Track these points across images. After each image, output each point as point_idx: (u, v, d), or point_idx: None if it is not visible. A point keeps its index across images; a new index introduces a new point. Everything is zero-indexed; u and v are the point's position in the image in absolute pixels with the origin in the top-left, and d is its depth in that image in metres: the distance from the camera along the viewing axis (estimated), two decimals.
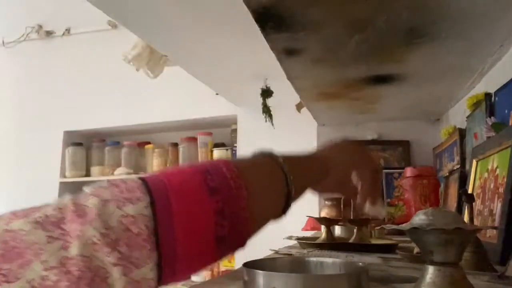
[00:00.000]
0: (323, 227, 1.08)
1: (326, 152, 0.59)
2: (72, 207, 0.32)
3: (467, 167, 1.25)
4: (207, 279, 2.38)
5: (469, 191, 1.05)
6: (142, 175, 0.38)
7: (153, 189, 0.35)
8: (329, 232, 1.07)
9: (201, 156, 2.88)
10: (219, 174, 0.39)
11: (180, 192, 0.36)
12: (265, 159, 0.48)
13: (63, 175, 3.08)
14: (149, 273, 0.32)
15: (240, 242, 0.41)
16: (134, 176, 0.38)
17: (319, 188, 0.59)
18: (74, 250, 0.29)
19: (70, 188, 2.96)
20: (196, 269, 0.38)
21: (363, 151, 0.65)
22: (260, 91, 1.96)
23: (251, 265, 0.41)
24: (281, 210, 0.48)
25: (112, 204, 0.33)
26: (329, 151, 0.60)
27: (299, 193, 0.50)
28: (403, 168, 1.70)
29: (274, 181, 0.46)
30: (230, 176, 0.39)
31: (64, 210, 0.32)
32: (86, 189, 0.35)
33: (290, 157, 0.49)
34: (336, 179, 0.58)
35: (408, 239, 0.46)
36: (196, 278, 2.49)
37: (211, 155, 2.88)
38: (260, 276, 0.37)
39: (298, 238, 1.15)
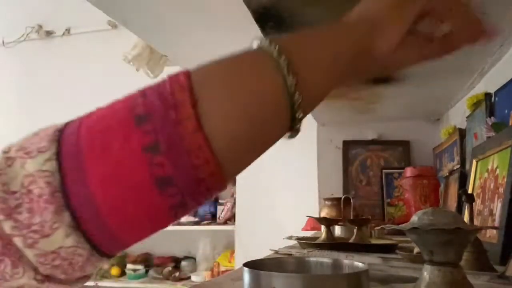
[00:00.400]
0: (323, 227, 1.08)
1: (369, 6, 0.39)
2: None
3: (467, 167, 1.25)
4: (207, 279, 2.38)
5: (469, 191, 1.05)
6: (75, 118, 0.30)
7: (64, 134, 0.28)
8: (329, 232, 1.07)
9: None
10: (155, 94, 0.28)
11: (94, 131, 0.28)
12: (250, 55, 0.33)
13: None
14: (66, 241, 0.26)
15: (202, 181, 0.28)
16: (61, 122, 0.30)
17: (370, 67, 0.39)
18: None
19: None
20: (144, 225, 0.29)
21: None
22: None
23: (251, 265, 0.41)
24: (284, 125, 0.32)
25: (18, 162, 0.27)
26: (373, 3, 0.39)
27: (317, 95, 0.34)
28: (403, 168, 1.70)
29: (260, 86, 0.31)
30: (170, 91, 0.28)
31: None
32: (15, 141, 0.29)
33: (296, 39, 0.35)
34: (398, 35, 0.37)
35: (408, 239, 0.46)
36: (196, 278, 2.50)
37: None
38: (260, 276, 0.37)
39: (298, 238, 1.15)
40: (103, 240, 0.28)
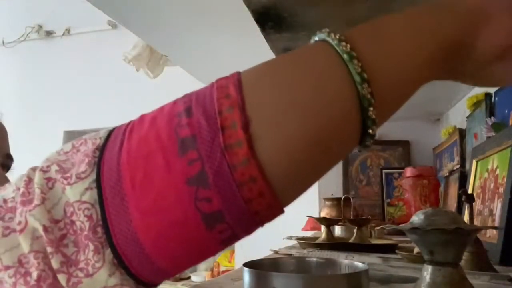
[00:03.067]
0: (323, 227, 1.08)
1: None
2: (23, 186, 0.24)
3: (467, 167, 1.25)
4: (207, 279, 2.38)
5: (469, 191, 1.05)
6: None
7: (105, 157, 0.24)
8: (329, 232, 1.07)
9: None
10: (201, 109, 0.24)
11: (135, 157, 0.24)
12: (315, 48, 0.26)
13: None
14: (109, 280, 0.23)
15: (255, 214, 0.24)
16: (105, 129, 0.27)
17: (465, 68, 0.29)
18: (25, 245, 0.23)
19: None
20: (192, 259, 0.26)
21: None
22: None
23: (251, 265, 0.41)
24: (352, 143, 0.26)
25: (58, 185, 0.24)
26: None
27: (392, 103, 0.27)
28: (403, 168, 1.70)
29: (323, 92, 0.24)
30: (218, 108, 0.24)
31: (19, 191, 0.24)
32: (53, 153, 0.26)
33: (365, 27, 0.27)
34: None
35: (408, 239, 0.46)
36: (196, 278, 2.49)
37: None
38: (260, 276, 0.37)
39: (298, 238, 1.15)
40: (149, 275, 0.25)
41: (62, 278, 0.23)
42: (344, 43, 0.24)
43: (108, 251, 0.23)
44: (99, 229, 0.23)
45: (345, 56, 0.24)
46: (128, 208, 0.23)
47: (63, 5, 3.04)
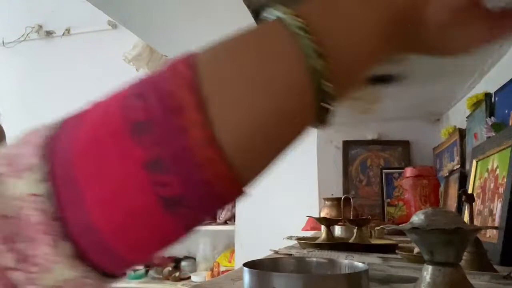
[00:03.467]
0: (323, 227, 1.08)
1: None
2: None
3: (467, 167, 1.25)
4: (207, 279, 2.38)
5: (469, 191, 1.05)
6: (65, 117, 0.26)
7: (56, 147, 0.24)
8: (329, 232, 1.07)
9: None
10: (153, 91, 0.23)
11: (87, 146, 0.23)
12: (267, 28, 0.26)
13: None
14: (70, 273, 0.23)
15: (217, 196, 0.24)
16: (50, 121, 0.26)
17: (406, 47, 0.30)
18: None
19: None
20: (155, 245, 0.26)
21: None
22: None
23: (251, 265, 0.41)
24: (308, 118, 0.26)
25: (7, 180, 0.23)
26: None
27: (349, 77, 0.26)
28: (403, 168, 1.70)
29: (278, 71, 0.24)
30: (170, 89, 0.23)
31: None
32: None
33: (321, 9, 0.26)
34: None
35: (408, 239, 0.46)
36: (196, 278, 2.49)
37: None
38: (260, 276, 0.37)
39: (298, 238, 1.15)
40: (112, 265, 0.25)
41: (18, 275, 0.22)
42: (295, 17, 0.25)
43: (65, 244, 0.23)
44: (53, 223, 0.22)
45: (296, 30, 0.24)
46: (84, 199, 0.23)
47: (63, 5, 3.05)
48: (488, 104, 1.17)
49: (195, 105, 0.23)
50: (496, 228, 0.81)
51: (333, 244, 1.02)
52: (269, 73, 0.24)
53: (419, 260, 0.73)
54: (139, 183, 0.23)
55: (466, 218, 0.73)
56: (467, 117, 1.36)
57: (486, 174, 0.99)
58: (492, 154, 0.97)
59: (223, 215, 2.89)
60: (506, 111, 1.06)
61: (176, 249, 3.00)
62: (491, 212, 0.89)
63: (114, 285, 0.26)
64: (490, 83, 1.22)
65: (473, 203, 0.72)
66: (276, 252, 0.97)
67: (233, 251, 2.41)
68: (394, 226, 0.47)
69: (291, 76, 0.24)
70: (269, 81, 0.24)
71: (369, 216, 1.20)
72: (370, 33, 0.26)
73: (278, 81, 0.24)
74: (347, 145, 2.00)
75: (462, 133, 1.43)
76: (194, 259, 2.86)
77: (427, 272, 0.42)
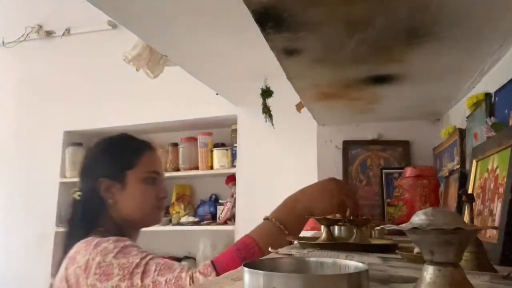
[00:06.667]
0: (323, 227, 1.08)
1: (306, 197, 1.13)
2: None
3: (467, 167, 1.25)
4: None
5: (469, 191, 1.05)
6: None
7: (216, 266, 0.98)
8: (329, 232, 1.07)
9: (201, 156, 2.88)
10: (246, 248, 1.01)
11: (225, 265, 0.96)
12: (267, 223, 1.09)
13: (63, 175, 3.08)
14: None
15: (256, 254, 1.00)
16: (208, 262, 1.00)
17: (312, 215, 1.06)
18: None
19: (70, 188, 2.96)
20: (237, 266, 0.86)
21: (335, 188, 1.15)
22: (260, 91, 1.97)
23: (251, 265, 0.41)
24: (282, 236, 1.04)
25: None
26: (309, 198, 1.13)
27: (293, 229, 1.07)
28: (403, 168, 1.70)
29: (274, 232, 1.06)
30: (250, 245, 1.01)
31: None
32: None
33: (280, 212, 1.10)
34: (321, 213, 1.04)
35: (408, 239, 0.46)
36: None
37: (211, 155, 2.88)
38: (260, 276, 0.37)
39: (298, 238, 1.15)
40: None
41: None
42: (274, 220, 1.10)
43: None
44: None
45: (277, 223, 1.09)
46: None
47: (63, 5, 3.05)
48: (488, 104, 1.17)
49: (256, 244, 1.05)
50: (496, 228, 0.81)
51: (333, 244, 1.02)
52: (272, 234, 1.08)
53: (419, 260, 0.73)
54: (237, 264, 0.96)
55: (466, 218, 0.73)
56: (467, 117, 1.36)
57: (486, 174, 0.99)
58: (492, 154, 0.97)
59: (223, 215, 2.88)
60: (506, 111, 1.06)
61: (176, 249, 3.00)
62: (491, 212, 0.89)
63: None
64: (490, 83, 1.22)
65: (473, 203, 0.72)
66: (276, 252, 0.98)
67: None
68: (394, 226, 0.47)
69: (277, 231, 1.08)
70: (272, 236, 1.07)
71: (369, 216, 1.20)
72: (295, 219, 1.13)
73: (275, 234, 1.08)
74: (347, 145, 2.00)
75: (462, 133, 1.43)
76: (194, 259, 2.87)
77: (427, 272, 0.42)
